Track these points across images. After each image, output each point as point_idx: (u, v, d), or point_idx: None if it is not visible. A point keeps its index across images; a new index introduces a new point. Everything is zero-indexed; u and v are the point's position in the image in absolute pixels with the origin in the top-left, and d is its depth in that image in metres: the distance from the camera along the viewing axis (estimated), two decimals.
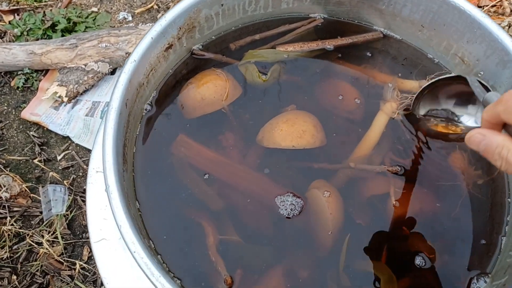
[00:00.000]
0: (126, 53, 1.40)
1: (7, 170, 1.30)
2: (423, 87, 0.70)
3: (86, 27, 1.53)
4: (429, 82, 0.69)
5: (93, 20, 1.57)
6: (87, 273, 1.19)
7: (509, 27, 1.46)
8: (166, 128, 0.73)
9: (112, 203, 0.56)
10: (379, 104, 0.74)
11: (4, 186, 1.26)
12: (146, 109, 0.73)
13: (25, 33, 1.53)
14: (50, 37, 1.51)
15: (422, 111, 0.72)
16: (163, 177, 0.69)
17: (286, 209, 0.66)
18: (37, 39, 1.51)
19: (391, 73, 0.78)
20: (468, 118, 0.70)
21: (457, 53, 0.75)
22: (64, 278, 1.18)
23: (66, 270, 1.19)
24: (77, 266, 1.19)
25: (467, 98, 0.68)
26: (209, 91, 0.74)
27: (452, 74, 0.71)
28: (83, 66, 1.40)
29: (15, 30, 1.53)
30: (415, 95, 0.71)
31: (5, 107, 1.42)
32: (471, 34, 0.70)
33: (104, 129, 0.60)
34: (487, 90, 0.61)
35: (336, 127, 0.74)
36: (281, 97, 0.76)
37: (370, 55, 0.81)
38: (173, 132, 0.73)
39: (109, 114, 0.61)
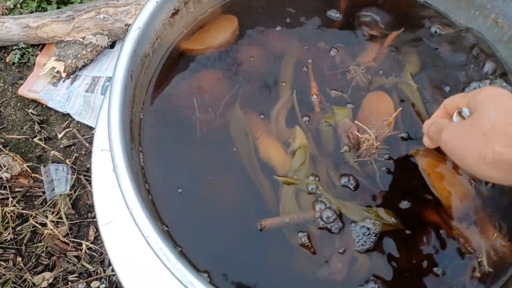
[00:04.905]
0: (125, 25, 1.33)
1: (6, 150, 1.25)
2: None
3: None
4: None
5: None
6: (94, 253, 1.16)
7: None
8: (175, 103, 0.68)
9: (121, 184, 0.51)
10: None
11: (4, 166, 1.21)
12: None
13: (18, 5, 1.45)
14: (45, 10, 1.44)
15: None
16: (173, 154, 0.64)
17: None
18: (32, 12, 1.43)
19: None
20: None
21: (490, 15, 0.68)
22: (71, 259, 1.15)
23: (72, 251, 1.16)
24: (83, 247, 1.16)
25: None
26: None
27: None
28: (81, 40, 1.33)
29: (8, 2, 1.45)
30: None
31: (1, 84, 1.36)
32: None
33: (108, 104, 0.55)
34: None
35: None
36: None
37: None
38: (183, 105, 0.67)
39: (113, 87, 0.56)
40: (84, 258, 1.15)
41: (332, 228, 0.59)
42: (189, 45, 0.71)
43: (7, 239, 1.15)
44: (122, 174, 0.52)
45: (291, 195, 0.61)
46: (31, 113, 1.31)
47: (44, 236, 1.17)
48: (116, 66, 0.57)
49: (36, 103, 1.33)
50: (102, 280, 1.14)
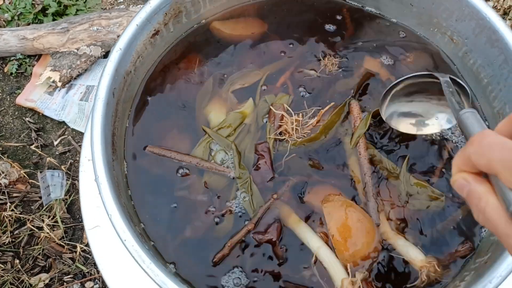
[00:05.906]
0: (117, 36, 1.38)
1: (5, 157, 1.31)
2: (390, 86, 0.64)
3: (77, 10, 1.51)
4: (397, 80, 0.63)
5: (84, 2, 1.54)
6: (88, 255, 1.22)
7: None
8: (157, 116, 0.74)
9: (102, 193, 0.57)
10: None
11: (3, 172, 1.27)
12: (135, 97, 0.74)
13: (15, 17, 1.51)
14: (41, 22, 1.50)
15: (387, 113, 0.66)
16: (154, 163, 0.70)
17: None
18: (28, 24, 1.49)
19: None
20: (441, 116, 0.63)
21: (446, 32, 0.74)
22: (66, 261, 1.21)
23: (67, 253, 1.22)
24: (78, 249, 1.21)
25: (438, 96, 0.62)
26: None
27: (424, 73, 0.63)
28: (76, 50, 1.39)
29: (6, 15, 1.51)
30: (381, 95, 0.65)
31: (0, 94, 1.42)
32: (460, 13, 0.69)
33: (91, 119, 0.61)
34: (462, 90, 0.59)
35: None
36: None
37: None
38: (164, 120, 0.73)
39: (96, 105, 0.61)
40: (78, 260, 1.21)
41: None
42: (220, 26, 0.80)
43: (5, 242, 1.21)
44: (103, 184, 0.57)
45: (205, 145, 0.70)
46: (28, 121, 1.37)
47: (41, 239, 1.22)
48: (98, 85, 0.63)
49: (33, 111, 1.39)
50: (96, 280, 1.20)
